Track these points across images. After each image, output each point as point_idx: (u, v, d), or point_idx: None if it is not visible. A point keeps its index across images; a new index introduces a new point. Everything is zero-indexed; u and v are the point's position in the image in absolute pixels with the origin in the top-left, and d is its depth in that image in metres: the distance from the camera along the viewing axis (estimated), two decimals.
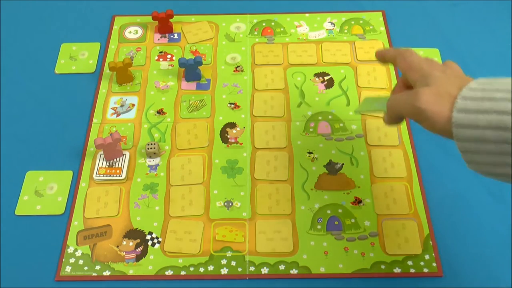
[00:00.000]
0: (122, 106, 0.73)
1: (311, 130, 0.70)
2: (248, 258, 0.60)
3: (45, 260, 0.60)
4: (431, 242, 0.60)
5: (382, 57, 0.56)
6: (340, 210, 0.63)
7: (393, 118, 0.50)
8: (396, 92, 0.52)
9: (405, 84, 0.52)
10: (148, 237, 0.61)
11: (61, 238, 0.61)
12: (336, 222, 0.62)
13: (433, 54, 0.78)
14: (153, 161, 0.68)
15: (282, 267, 0.59)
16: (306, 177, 0.66)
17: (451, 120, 0.41)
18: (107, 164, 0.67)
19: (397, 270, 0.59)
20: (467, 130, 0.40)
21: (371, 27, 0.81)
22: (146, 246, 0.61)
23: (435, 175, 0.66)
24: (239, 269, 0.59)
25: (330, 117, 0.71)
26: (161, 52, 0.79)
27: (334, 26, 0.82)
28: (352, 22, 0.82)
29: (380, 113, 0.52)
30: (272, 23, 0.82)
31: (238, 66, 0.77)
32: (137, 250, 0.61)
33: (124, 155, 0.68)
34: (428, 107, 0.43)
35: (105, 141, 0.64)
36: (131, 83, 0.75)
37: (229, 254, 0.60)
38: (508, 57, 0.77)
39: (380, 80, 0.75)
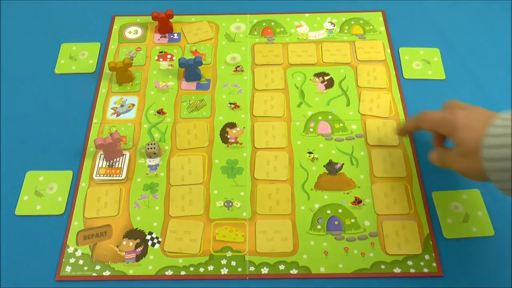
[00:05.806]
0: (122, 106, 0.73)
1: (311, 130, 0.70)
2: (248, 258, 0.60)
3: (45, 260, 0.60)
4: (431, 242, 0.60)
5: (404, 132, 0.66)
6: (340, 210, 0.63)
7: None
8: (435, 143, 0.61)
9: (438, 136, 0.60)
10: (148, 237, 0.61)
11: (61, 238, 0.61)
12: (336, 222, 0.62)
13: (433, 54, 0.78)
14: (153, 161, 0.68)
15: (282, 267, 0.59)
16: (306, 177, 0.66)
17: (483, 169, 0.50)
18: (107, 164, 0.67)
19: (397, 270, 0.59)
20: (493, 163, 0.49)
21: (371, 27, 0.81)
22: (146, 246, 0.61)
23: (435, 175, 0.66)
24: (239, 269, 0.59)
25: (330, 117, 0.71)
26: (161, 52, 0.79)
27: (334, 26, 0.82)
28: (352, 22, 0.82)
29: None
30: (272, 23, 0.82)
31: (238, 66, 0.77)
32: (137, 250, 0.61)
33: (124, 155, 0.68)
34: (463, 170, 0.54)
35: (105, 141, 0.64)
36: (131, 83, 0.75)
37: (229, 254, 0.60)
38: (508, 57, 0.77)
39: (380, 80, 0.75)
